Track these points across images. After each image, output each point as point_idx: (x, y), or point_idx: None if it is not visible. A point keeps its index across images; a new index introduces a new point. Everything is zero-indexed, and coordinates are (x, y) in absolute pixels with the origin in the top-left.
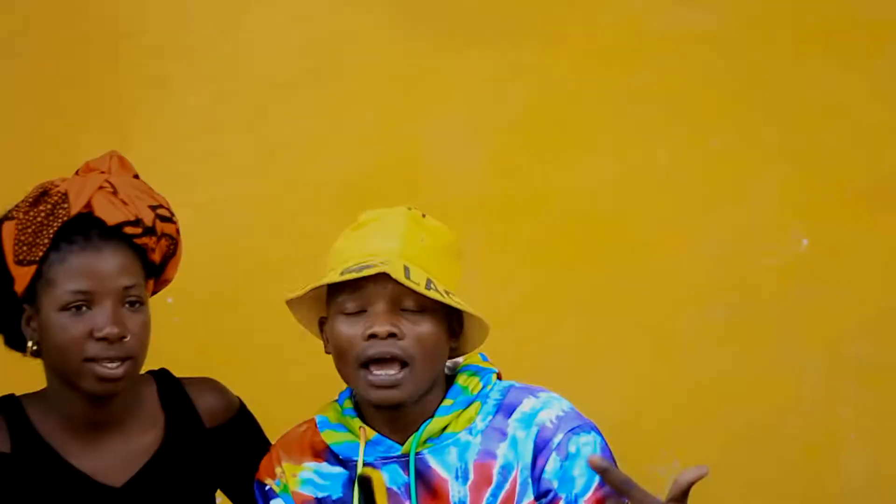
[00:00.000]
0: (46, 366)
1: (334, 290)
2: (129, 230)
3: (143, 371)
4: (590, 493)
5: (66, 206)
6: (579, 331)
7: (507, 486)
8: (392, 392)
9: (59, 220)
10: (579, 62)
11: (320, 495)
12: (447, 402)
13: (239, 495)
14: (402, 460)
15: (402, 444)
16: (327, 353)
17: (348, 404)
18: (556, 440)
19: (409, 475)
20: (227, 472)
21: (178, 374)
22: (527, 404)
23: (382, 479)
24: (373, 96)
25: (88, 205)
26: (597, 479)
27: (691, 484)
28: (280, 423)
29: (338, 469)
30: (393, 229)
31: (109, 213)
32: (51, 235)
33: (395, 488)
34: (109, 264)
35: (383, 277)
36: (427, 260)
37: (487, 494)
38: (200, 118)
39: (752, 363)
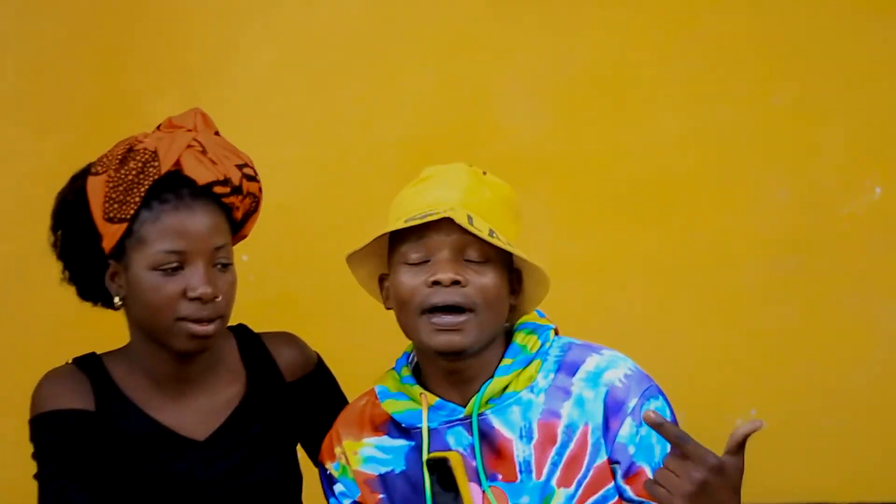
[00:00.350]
0: (132, 322)
1: (396, 242)
2: (218, 189)
3: None
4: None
5: (156, 164)
6: (648, 287)
7: (573, 445)
8: (456, 337)
9: (150, 179)
10: (642, 20)
11: (383, 471)
12: (506, 361)
13: (316, 450)
14: (466, 422)
15: (464, 407)
16: (388, 308)
17: (406, 372)
18: (631, 404)
19: (472, 436)
20: (305, 426)
21: (255, 330)
22: (590, 362)
23: (460, 458)
24: (435, 58)
25: (178, 163)
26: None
27: (746, 437)
28: (351, 379)
29: (400, 441)
30: (455, 182)
31: (199, 173)
32: (142, 194)
33: (460, 449)
34: (202, 224)
35: (447, 226)
36: (489, 212)
37: (552, 453)
38: (266, 81)
39: (824, 314)
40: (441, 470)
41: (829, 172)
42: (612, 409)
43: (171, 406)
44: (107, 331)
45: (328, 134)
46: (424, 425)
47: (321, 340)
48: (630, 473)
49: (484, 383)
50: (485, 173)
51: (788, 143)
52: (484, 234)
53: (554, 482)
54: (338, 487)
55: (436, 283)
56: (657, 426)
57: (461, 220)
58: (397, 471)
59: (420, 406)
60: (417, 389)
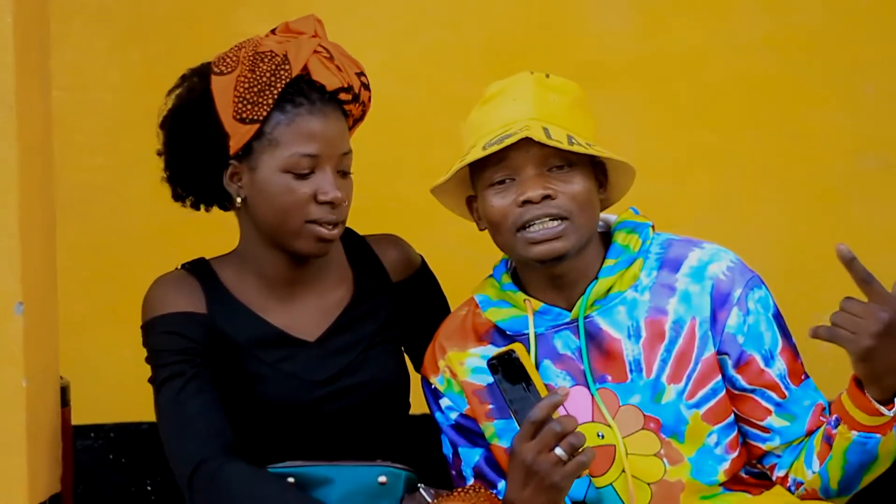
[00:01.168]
0: (249, 224)
1: (479, 167)
2: (342, 97)
3: None
4: (781, 345)
5: (287, 67)
6: (736, 186)
7: (682, 340)
8: (555, 244)
9: (283, 81)
10: None
11: (490, 380)
12: (609, 262)
13: (419, 353)
14: (572, 326)
15: (569, 310)
16: (482, 229)
17: (507, 279)
18: (736, 294)
19: (580, 339)
20: (410, 327)
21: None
22: (693, 257)
23: (523, 347)
24: None
25: (306, 68)
26: (780, 332)
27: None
28: (446, 288)
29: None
30: (522, 95)
31: (328, 79)
32: (275, 96)
33: (568, 353)
34: (334, 130)
35: (526, 143)
36: (562, 117)
37: (661, 350)
38: None
39: None
40: (505, 366)
41: None
42: (719, 301)
43: (282, 308)
44: (202, 240)
45: (414, 38)
46: (531, 331)
47: (417, 247)
48: (741, 363)
49: (588, 285)
50: (548, 76)
51: (870, 38)
52: (564, 144)
53: (664, 379)
54: (444, 402)
55: (526, 201)
56: (848, 261)
57: (539, 135)
58: None
59: (524, 312)
60: (521, 296)
